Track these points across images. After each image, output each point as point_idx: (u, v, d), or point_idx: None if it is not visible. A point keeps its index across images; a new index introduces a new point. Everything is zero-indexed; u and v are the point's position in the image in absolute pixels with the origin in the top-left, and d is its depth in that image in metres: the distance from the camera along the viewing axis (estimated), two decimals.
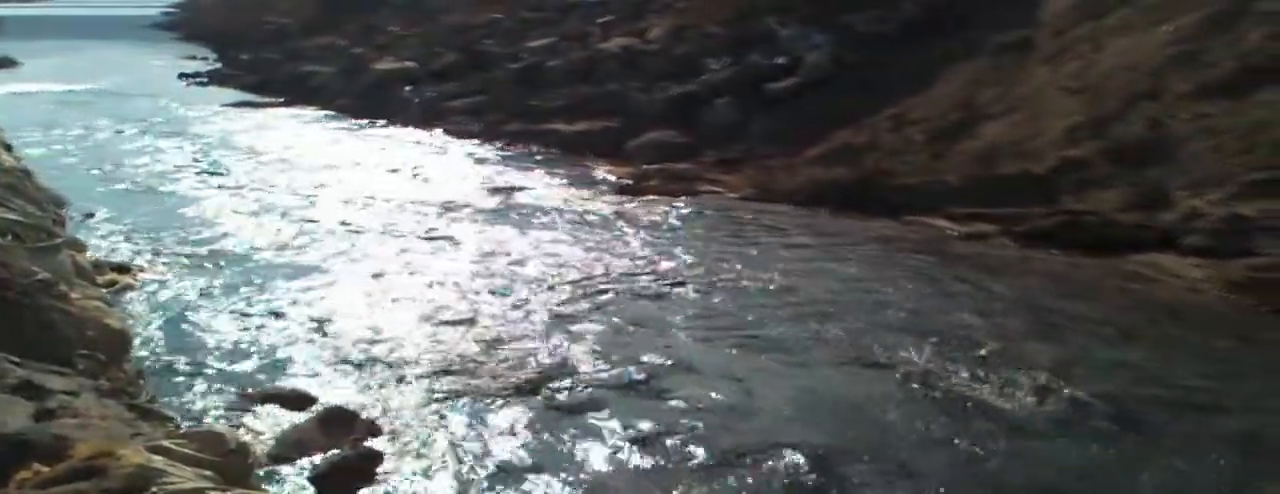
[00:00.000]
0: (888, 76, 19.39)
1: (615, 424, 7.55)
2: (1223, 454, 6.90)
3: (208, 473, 5.30)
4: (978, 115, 16.87)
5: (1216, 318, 9.83)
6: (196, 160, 19.35)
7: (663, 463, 6.93)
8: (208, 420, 7.56)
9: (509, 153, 20.89)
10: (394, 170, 18.73)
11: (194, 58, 40.87)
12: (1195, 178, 12.90)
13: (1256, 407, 7.70)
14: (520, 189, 16.95)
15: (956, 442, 7.17)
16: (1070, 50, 17.43)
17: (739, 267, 11.89)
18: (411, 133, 23.38)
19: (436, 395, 8.13)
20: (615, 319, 10.07)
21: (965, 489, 6.50)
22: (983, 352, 8.88)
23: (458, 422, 7.63)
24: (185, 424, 7.25)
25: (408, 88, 26.86)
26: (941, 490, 6.49)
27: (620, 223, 14.39)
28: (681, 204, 15.73)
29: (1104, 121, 14.98)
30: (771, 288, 11.05)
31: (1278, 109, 13.15)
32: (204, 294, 10.86)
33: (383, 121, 24.84)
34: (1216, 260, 11.07)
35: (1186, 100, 14.42)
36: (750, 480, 6.66)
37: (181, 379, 8.49)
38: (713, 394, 8.10)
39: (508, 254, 12.61)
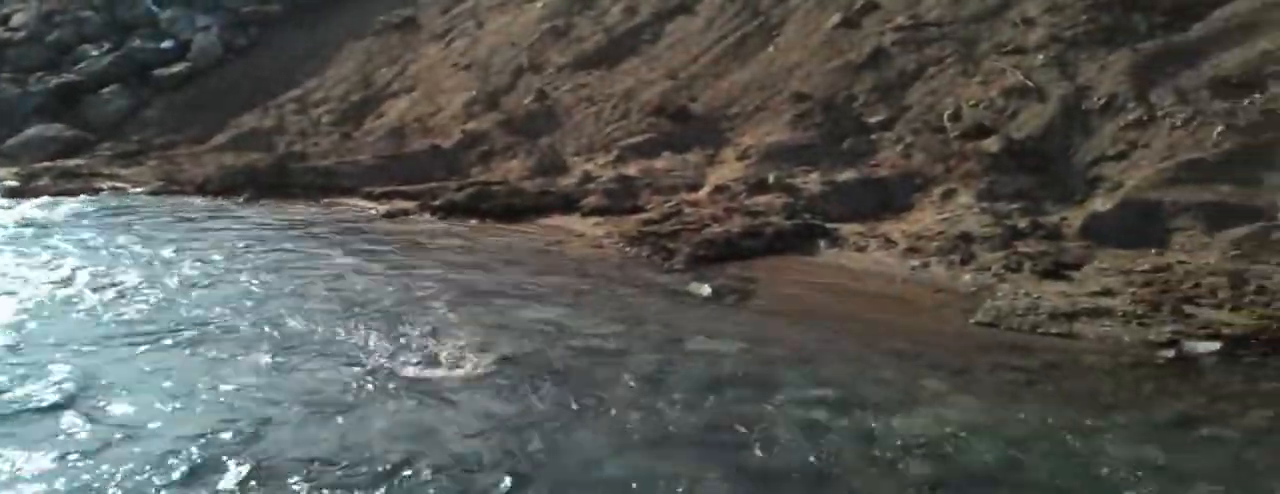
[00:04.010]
0: (283, 58, 18.98)
1: (37, 452, 6.53)
2: (633, 391, 7.47)
3: None
4: (380, 95, 17.04)
5: (619, 269, 10.68)
6: None
7: (89, 482, 6.35)
8: None
9: None
10: None
11: None
12: (583, 143, 14.03)
13: (657, 346, 8.42)
14: None
15: (400, 417, 7.09)
16: (456, 28, 18.20)
17: (154, 266, 10.96)
18: None
19: None
20: (14, 334, 8.85)
21: (411, 458, 6.45)
22: (415, 325, 8.93)
23: None
24: None
25: None
26: (387, 466, 6.35)
27: (3, 229, 12.83)
28: (79, 204, 14.24)
29: (496, 95, 15.83)
30: (192, 283, 10.31)
31: (642, 77, 14.79)
32: None
33: None
34: (613, 218, 12.02)
35: (565, 72, 15.68)
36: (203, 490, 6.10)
37: None
38: (142, 403, 7.34)
39: None
